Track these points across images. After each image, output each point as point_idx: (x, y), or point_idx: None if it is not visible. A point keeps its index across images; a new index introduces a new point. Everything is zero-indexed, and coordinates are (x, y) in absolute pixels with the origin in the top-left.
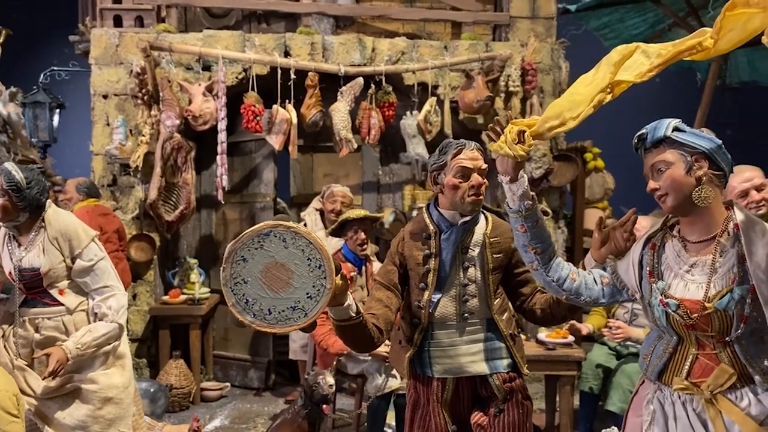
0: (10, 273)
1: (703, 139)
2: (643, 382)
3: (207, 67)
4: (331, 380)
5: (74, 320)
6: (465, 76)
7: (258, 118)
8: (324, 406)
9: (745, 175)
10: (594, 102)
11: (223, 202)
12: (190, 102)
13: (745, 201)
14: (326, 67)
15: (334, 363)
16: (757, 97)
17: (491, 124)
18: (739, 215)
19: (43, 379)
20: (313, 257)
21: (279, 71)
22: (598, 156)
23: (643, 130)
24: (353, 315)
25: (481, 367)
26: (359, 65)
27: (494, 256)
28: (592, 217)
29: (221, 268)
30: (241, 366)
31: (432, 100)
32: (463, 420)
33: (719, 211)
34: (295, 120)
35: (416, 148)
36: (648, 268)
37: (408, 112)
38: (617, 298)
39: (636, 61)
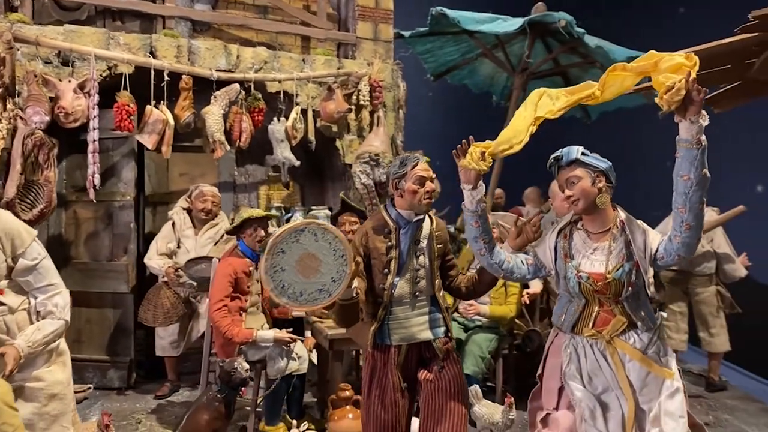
0: None
1: (601, 161)
2: (557, 334)
3: (66, 62)
4: (246, 365)
5: (17, 319)
6: (327, 89)
7: (131, 117)
8: (243, 389)
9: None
10: (529, 131)
11: (95, 201)
12: (53, 98)
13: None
14: (199, 71)
15: (236, 351)
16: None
17: (459, 146)
18: (622, 214)
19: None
20: (337, 248)
21: (152, 72)
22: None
23: (558, 153)
24: (354, 296)
25: (427, 334)
26: (225, 71)
27: (438, 246)
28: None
29: (263, 259)
30: (98, 367)
31: (297, 108)
32: (411, 379)
33: (610, 211)
34: (172, 121)
35: (284, 152)
36: (562, 252)
37: (275, 118)
38: (538, 275)
39: (544, 102)
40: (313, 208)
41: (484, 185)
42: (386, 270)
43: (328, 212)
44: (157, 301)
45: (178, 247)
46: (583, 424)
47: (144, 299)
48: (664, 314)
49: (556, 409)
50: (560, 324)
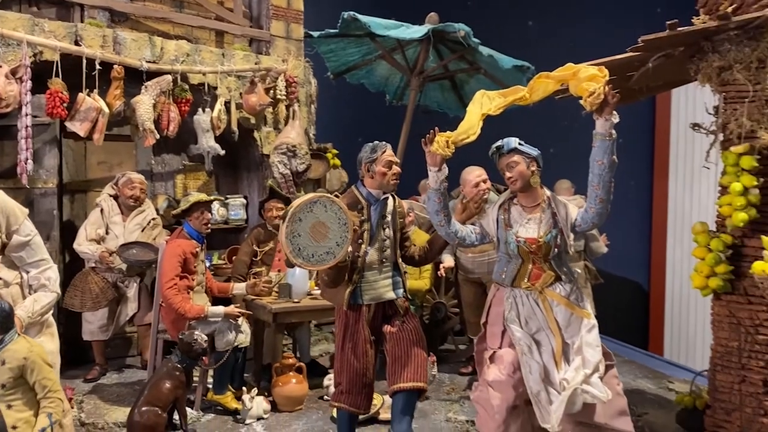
0: None
1: (533, 149)
2: (498, 289)
3: None
4: (204, 336)
5: (11, 293)
6: (249, 82)
7: (64, 104)
8: (204, 358)
9: (476, 173)
10: (479, 124)
11: (28, 187)
12: None
13: (477, 189)
14: (129, 61)
15: (186, 326)
16: (438, 118)
17: (428, 135)
18: (548, 192)
19: None
20: (341, 218)
21: (84, 61)
22: (336, 156)
23: (499, 143)
24: (347, 259)
25: (391, 294)
26: (150, 62)
27: (400, 220)
28: None
29: (284, 226)
30: None
31: (221, 99)
32: (377, 332)
33: (540, 189)
34: (106, 109)
35: (209, 141)
36: (503, 222)
37: (200, 109)
38: (484, 241)
39: (485, 102)
40: (229, 197)
41: (447, 168)
42: (360, 240)
43: (243, 201)
44: (84, 286)
45: (107, 233)
46: (523, 357)
47: (70, 285)
48: (579, 270)
49: (500, 347)
50: (501, 280)
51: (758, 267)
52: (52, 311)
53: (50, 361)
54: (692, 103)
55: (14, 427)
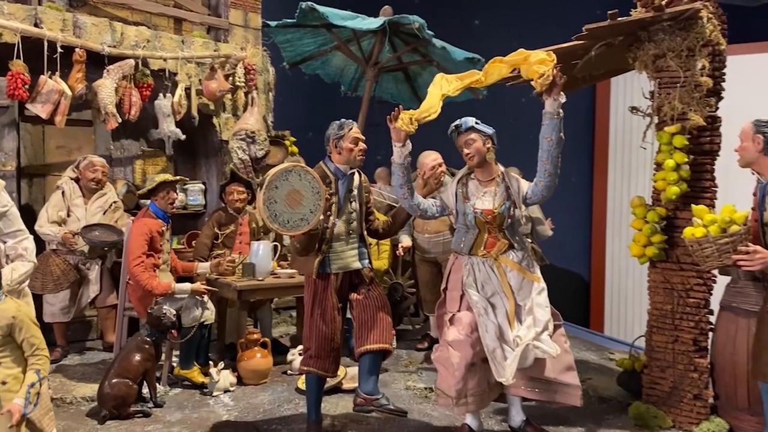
0: None
1: (489, 128)
2: (457, 257)
3: None
4: (173, 311)
5: None
6: (210, 68)
7: (26, 86)
8: (173, 331)
9: (432, 157)
10: (440, 104)
11: None
12: None
13: (432, 171)
14: (91, 45)
15: (153, 303)
16: (392, 109)
17: (393, 113)
18: (501, 168)
19: None
20: (315, 186)
21: (46, 44)
22: (293, 143)
23: (458, 122)
24: (319, 227)
25: (357, 264)
26: (111, 46)
27: (365, 195)
28: None
29: (261, 193)
30: None
31: (182, 85)
32: (343, 300)
33: (494, 165)
34: (69, 92)
35: (170, 126)
36: (462, 195)
37: (161, 94)
38: (444, 213)
39: (444, 84)
40: (188, 182)
41: (410, 144)
42: (329, 212)
43: (202, 186)
44: (45, 269)
45: (68, 215)
46: (479, 318)
47: None
48: (529, 239)
49: (459, 311)
50: (459, 249)
51: (688, 232)
52: (28, 281)
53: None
54: (630, 101)
55: (4, 383)
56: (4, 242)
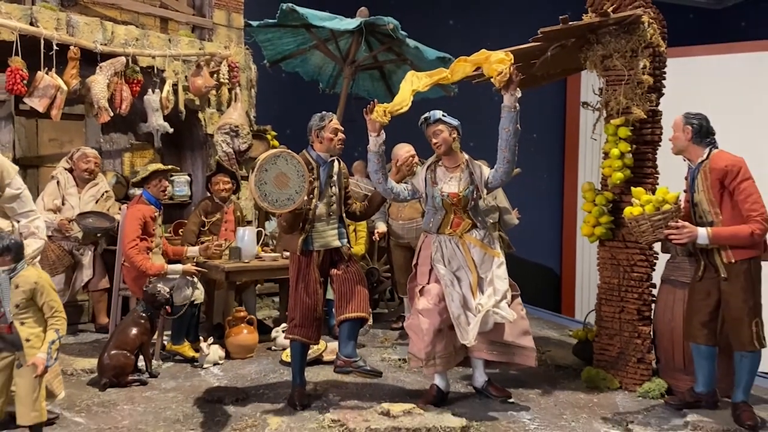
0: None
1: (455, 120)
2: (426, 236)
3: None
4: (167, 288)
5: None
6: (196, 66)
7: (24, 81)
8: (167, 307)
9: (406, 149)
10: (411, 98)
11: None
12: None
13: (405, 161)
14: (85, 43)
15: (148, 281)
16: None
17: (369, 105)
18: (466, 156)
19: None
20: (300, 169)
21: (42, 41)
22: (274, 137)
23: (427, 115)
24: (303, 207)
25: (337, 243)
26: (102, 44)
27: (344, 180)
28: None
29: (253, 175)
30: None
31: (170, 81)
32: (325, 275)
33: (460, 153)
34: (65, 87)
35: (158, 120)
36: (430, 180)
37: (150, 90)
38: (415, 197)
39: (414, 80)
40: (173, 174)
41: (384, 134)
42: (311, 195)
43: (188, 178)
44: (41, 254)
45: (63, 204)
46: (446, 289)
47: None
48: (490, 220)
49: (428, 283)
50: (429, 228)
51: (627, 211)
52: (39, 257)
53: None
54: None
55: (27, 340)
56: (18, 221)
